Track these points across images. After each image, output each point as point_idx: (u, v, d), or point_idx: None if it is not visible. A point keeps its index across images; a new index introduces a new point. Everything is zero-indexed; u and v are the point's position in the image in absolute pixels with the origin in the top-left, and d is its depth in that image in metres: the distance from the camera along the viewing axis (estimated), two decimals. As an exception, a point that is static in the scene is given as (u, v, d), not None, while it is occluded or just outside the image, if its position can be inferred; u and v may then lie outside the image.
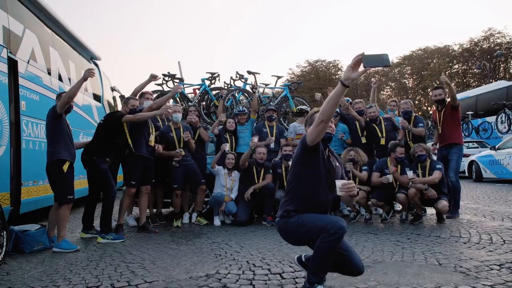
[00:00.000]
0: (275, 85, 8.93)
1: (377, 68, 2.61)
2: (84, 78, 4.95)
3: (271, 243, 4.85)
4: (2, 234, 4.36)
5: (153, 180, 6.16)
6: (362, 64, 2.46)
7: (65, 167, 4.84)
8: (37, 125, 6.18)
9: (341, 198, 3.06)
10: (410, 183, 5.89)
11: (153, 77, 6.50)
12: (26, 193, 5.86)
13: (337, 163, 3.22)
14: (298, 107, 7.22)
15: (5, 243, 4.33)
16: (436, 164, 5.97)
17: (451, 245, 4.51)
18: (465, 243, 4.55)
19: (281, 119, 8.23)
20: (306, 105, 8.25)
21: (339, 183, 2.87)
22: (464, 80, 36.56)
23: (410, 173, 5.91)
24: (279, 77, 8.90)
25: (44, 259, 4.36)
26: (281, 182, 6.55)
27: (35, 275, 3.74)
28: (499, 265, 3.64)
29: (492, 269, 3.54)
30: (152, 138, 5.93)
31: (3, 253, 4.19)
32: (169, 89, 8.22)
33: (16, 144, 5.77)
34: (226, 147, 6.59)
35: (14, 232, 4.70)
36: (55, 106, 4.93)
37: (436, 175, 5.79)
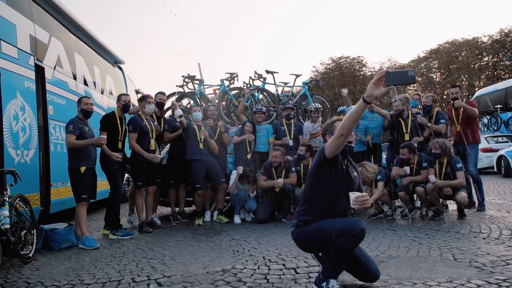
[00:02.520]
0: (293, 84, 8.98)
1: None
2: (92, 142, 5.25)
3: (289, 240, 4.89)
4: (33, 232, 4.63)
5: (158, 180, 6.37)
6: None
7: (82, 168, 5.12)
8: (64, 128, 6.45)
9: (355, 210, 3.08)
10: (433, 185, 5.83)
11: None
12: (56, 193, 6.15)
13: (355, 173, 3.20)
14: (309, 107, 7.35)
15: (35, 241, 4.60)
16: (457, 163, 5.89)
17: (470, 240, 4.47)
18: (484, 239, 4.51)
19: (300, 117, 8.29)
20: (326, 102, 8.30)
21: (353, 195, 2.87)
22: (495, 73, 35.40)
23: (432, 177, 5.89)
24: (297, 76, 8.95)
25: (71, 256, 4.59)
26: (299, 179, 6.60)
27: (62, 271, 3.96)
28: (516, 260, 3.61)
29: (508, 264, 3.52)
30: (152, 142, 6.07)
31: (33, 250, 4.45)
32: (190, 90, 8.41)
33: (45, 147, 6.08)
34: (240, 170, 6.62)
35: (44, 230, 4.96)
36: (71, 124, 5.18)
37: (461, 178, 5.77)
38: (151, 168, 6.04)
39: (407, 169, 6.13)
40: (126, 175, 8.04)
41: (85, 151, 5.21)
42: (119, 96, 6.04)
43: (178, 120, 6.35)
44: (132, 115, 6.21)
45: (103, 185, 7.47)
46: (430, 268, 3.51)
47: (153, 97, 6.44)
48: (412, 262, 3.73)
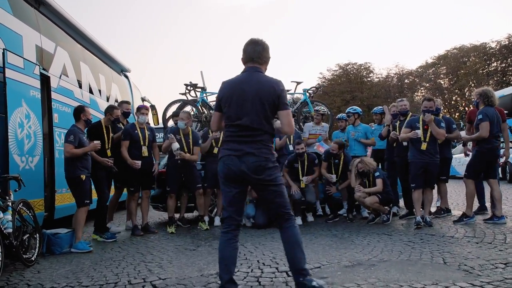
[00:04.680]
0: (294, 91, 9.08)
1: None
2: (90, 149, 5.44)
3: (285, 244, 5.00)
4: (36, 236, 4.78)
5: (153, 185, 6.73)
6: None
7: (83, 177, 5.33)
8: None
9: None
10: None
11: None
12: (60, 199, 6.30)
13: None
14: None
15: (38, 245, 4.74)
16: (478, 114, 5.71)
17: (462, 245, 4.52)
18: (477, 243, 4.54)
19: (300, 124, 8.39)
20: (326, 110, 8.43)
21: None
22: (504, 78, 35.17)
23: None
24: (298, 83, 9.02)
25: (73, 259, 4.72)
26: (296, 175, 6.78)
27: (62, 273, 4.09)
28: (505, 264, 3.66)
29: (496, 267, 3.57)
30: (144, 149, 6.31)
31: (36, 254, 4.60)
32: (192, 98, 8.57)
33: (50, 154, 6.25)
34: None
35: (46, 235, 5.11)
36: (72, 135, 5.32)
37: (482, 131, 5.62)
38: (145, 174, 6.28)
39: (418, 132, 5.82)
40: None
41: (85, 160, 5.42)
42: (111, 109, 6.29)
43: (175, 153, 6.40)
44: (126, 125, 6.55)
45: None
46: (419, 271, 3.58)
47: (149, 108, 6.73)
48: (402, 265, 3.80)
